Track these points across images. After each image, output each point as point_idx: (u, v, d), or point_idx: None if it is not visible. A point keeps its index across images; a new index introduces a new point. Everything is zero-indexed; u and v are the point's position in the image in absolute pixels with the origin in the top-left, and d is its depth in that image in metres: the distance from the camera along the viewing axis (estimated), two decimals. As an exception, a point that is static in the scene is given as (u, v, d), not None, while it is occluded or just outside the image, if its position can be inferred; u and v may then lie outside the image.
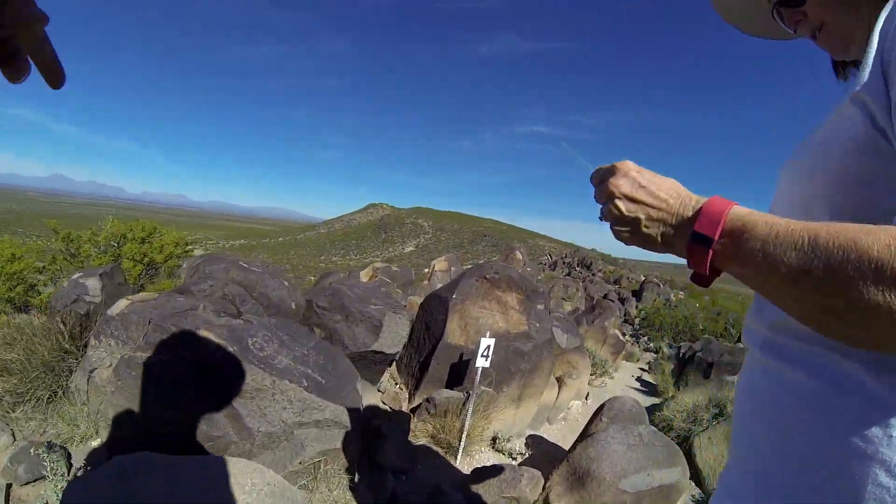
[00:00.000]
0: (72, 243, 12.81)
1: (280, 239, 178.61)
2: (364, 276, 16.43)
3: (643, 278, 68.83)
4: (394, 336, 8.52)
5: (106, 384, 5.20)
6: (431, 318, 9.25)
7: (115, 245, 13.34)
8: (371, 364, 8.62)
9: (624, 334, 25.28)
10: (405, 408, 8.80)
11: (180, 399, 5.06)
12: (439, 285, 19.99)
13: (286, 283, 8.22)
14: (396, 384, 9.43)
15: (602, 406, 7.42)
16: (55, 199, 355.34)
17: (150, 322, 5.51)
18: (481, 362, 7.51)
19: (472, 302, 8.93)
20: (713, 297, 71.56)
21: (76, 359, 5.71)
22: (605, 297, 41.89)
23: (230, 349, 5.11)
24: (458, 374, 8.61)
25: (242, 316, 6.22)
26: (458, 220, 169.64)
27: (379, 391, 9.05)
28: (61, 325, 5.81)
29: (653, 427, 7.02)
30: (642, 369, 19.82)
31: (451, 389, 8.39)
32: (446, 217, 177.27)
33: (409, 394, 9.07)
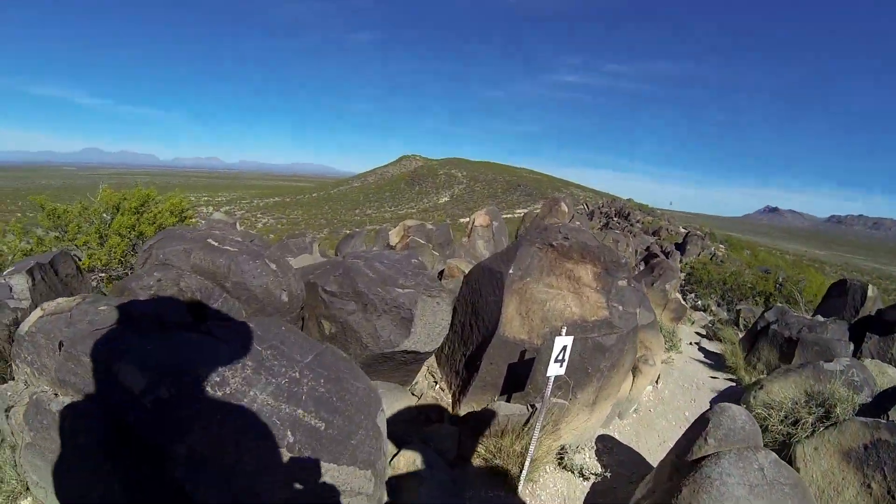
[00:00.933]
0: (59, 220, 10.97)
1: (314, 195, 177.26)
2: (395, 236, 14.39)
3: (683, 230, 66.28)
4: (430, 328, 6.44)
5: (21, 430, 3.78)
6: (480, 298, 7.33)
7: (109, 218, 11.48)
8: (401, 364, 6.55)
9: (684, 296, 23.00)
10: (449, 414, 6.78)
11: (99, 471, 3.37)
12: (480, 243, 17.89)
13: (272, 266, 6.11)
14: (436, 382, 7.39)
15: (705, 420, 5.19)
16: (90, 172, 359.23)
17: (60, 346, 3.77)
18: (555, 369, 5.42)
19: (536, 279, 6.86)
20: (754, 251, 69.00)
21: (-1, 383, 4.05)
22: (647, 249, 39.60)
23: (165, 391, 3.11)
24: (518, 377, 6.51)
25: (205, 323, 4.12)
26: (493, 170, 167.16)
27: (413, 394, 6.97)
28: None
29: (773, 454, 4.74)
30: (699, 334, 17.79)
31: (510, 401, 6.36)
32: (480, 167, 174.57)
33: (454, 397, 7.05)
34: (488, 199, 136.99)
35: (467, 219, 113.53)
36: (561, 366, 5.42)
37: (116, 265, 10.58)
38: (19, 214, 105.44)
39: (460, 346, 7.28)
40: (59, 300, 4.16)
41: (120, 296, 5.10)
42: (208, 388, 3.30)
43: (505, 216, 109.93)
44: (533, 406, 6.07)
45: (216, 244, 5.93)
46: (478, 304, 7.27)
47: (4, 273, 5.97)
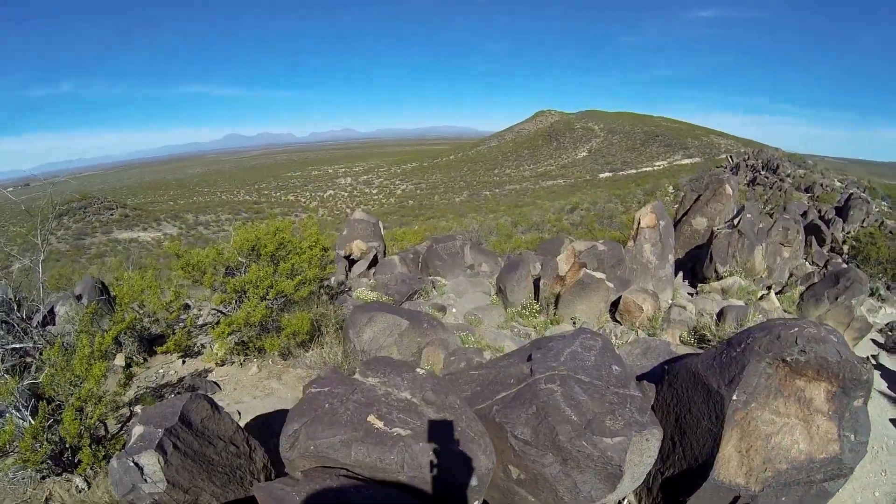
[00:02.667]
0: (194, 270, 10.63)
1: (451, 157, 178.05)
2: (564, 264, 13.79)
3: (838, 183, 60.73)
4: (636, 471, 5.60)
5: None
6: (688, 414, 6.42)
7: (245, 263, 11.29)
8: None
9: (881, 301, 20.64)
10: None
11: None
12: (647, 248, 16.96)
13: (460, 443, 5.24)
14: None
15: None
16: (232, 156, 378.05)
17: None
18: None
19: (761, 404, 5.82)
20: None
21: None
22: (803, 215, 36.63)
23: None
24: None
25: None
26: (629, 121, 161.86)
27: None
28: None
29: None
30: (876, 343, 15.45)
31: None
32: (617, 118, 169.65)
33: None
34: (626, 152, 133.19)
35: (607, 174, 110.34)
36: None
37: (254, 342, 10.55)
38: (171, 203, 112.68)
39: (657, 460, 6.27)
40: None
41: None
42: None
43: (644, 169, 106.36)
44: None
45: (382, 426, 5.20)
46: (683, 420, 6.41)
47: (130, 445, 5.39)
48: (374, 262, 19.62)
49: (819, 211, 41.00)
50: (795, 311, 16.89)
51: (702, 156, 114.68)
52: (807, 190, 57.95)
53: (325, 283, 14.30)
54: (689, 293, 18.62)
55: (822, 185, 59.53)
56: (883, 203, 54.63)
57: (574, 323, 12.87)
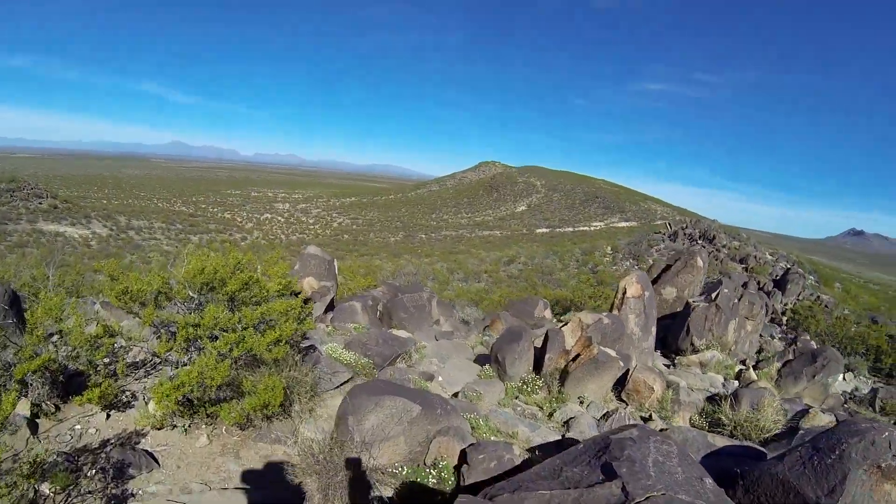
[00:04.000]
0: (131, 300, 8.45)
1: (391, 196, 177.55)
2: (570, 336, 12.70)
3: (769, 257, 62.86)
4: None
5: None
6: None
7: (196, 299, 9.17)
8: None
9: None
10: None
11: None
12: (632, 318, 16.23)
13: None
14: None
15: None
16: (176, 164, 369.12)
17: None
18: None
19: None
20: (846, 286, 65.21)
21: None
22: (744, 285, 37.07)
23: None
24: None
25: None
26: (571, 180, 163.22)
27: None
28: None
29: None
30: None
31: None
32: (559, 176, 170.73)
33: None
34: (565, 210, 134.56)
35: (545, 229, 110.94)
36: None
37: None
38: (105, 201, 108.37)
39: None
40: None
41: None
42: None
43: (581, 228, 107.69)
44: None
45: None
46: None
47: None
48: (330, 306, 18.29)
49: (758, 283, 41.66)
50: (775, 388, 16.73)
51: (638, 220, 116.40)
52: (741, 261, 59.46)
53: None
54: (665, 364, 18.00)
55: (755, 257, 61.41)
56: (811, 277, 56.57)
57: (581, 402, 11.73)
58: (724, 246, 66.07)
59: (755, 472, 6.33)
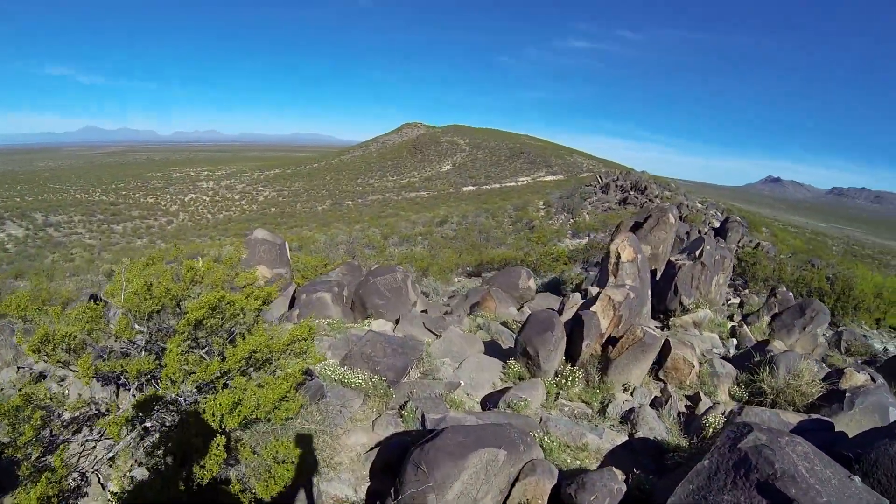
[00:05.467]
0: (56, 350, 6.10)
1: (315, 165, 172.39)
2: (602, 316, 11.14)
3: (699, 205, 63.21)
4: None
5: None
6: None
7: (145, 335, 6.95)
8: None
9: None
10: None
11: None
12: (629, 283, 15.01)
13: None
14: None
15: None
16: (91, 150, 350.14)
17: None
18: None
19: None
20: (773, 230, 66.42)
21: None
22: (687, 234, 36.85)
23: None
24: None
25: None
26: (495, 137, 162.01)
27: None
28: None
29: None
30: None
31: None
32: (483, 134, 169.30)
33: None
34: (491, 167, 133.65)
35: (471, 187, 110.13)
36: None
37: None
38: (18, 199, 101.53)
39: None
40: None
41: None
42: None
43: (508, 184, 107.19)
44: None
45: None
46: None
47: None
48: (292, 299, 16.36)
49: (699, 231, 41.40)
50: (772, 340, 16.30)
51: (565, 174, 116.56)
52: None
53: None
54: (657, 327, 16.93)
55: (687, 205, 61.29)
56: (763, 230, 57.28)
57: (625, 389, 10.36)
58: (656, 196, 65.91)
59: (871, 454, 5.60)
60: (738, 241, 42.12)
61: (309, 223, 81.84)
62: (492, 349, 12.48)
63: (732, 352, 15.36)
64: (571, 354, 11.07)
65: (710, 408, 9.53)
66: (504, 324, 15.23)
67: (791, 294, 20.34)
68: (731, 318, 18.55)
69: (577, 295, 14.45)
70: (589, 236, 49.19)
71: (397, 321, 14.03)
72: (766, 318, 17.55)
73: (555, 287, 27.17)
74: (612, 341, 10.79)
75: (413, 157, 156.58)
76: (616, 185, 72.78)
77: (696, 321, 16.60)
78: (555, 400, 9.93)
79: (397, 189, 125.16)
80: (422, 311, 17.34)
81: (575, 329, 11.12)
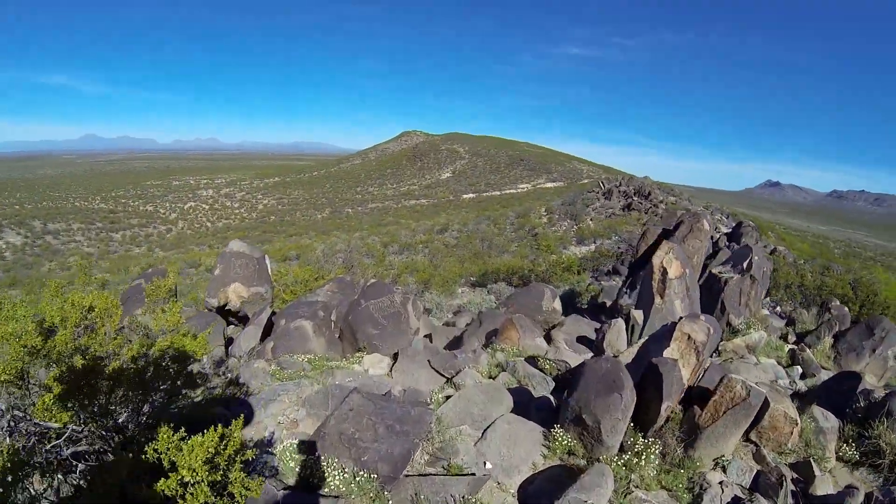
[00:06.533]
0: None
1: (314, 173, 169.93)
2: (683, 365, 8.09)
3: (703, 209, 60.64)
4: None
5: None
6: None
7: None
8: None
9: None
10: None
11: None
12: (678, 304, 12.27)
13: None
14: None
15: None
16: (91, 158, 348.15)
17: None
18: None
19: None
20: (780, 235, 63.80)
21: None
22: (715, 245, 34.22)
23: None
24: None
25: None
26: (494, 145, 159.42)
27: None
28: None
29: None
30: None
31: None
32: (482, 141, 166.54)
33: None
34: (490, 174, 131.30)
35: (471, 195, 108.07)
36: None
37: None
38: (17, 207, 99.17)
39: None
40: None
41: None
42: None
43: (508, 191, 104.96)
44: None
45: None
46: None
47: None
48: (268, 326, 13.48)
49: (711, 237, 38.68)
50: (834, 366, 13.82)
51: (565, 180, 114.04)
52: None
53: (194, 374, 7.20)
54: (705, 355, 14.14)
55: (689, 210, 58.88)
56: (771, 235, 54.87)
57: (716, 464, 7.42)
58: (661, 202, 63.35)
59: None
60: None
61: (308, 231, 79.69)
62: (523, 404, 9.18)
63: (798, 383, 12.58)
64: (641, 419, 7.88)
65: (833, 495, 6.71)
66: (533, 361, 11.62)
67: (846, 308, 17.56)
68: (784, 338, 15.68)
69: (620, 322, 11.46)
70: (595, 243, 46.53)
71: (395, 357, 11.00)
72: (828, 339, 14.78)
73: (569, 301, 24.38)
74: (698, 396, 7.91)
75: (412, 164, 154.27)
76: (619, 191, 70.24)
77: (749, 345, 13.78)
78: (626, 492, 6.86)
79: (397, 197, 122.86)
80: (425, 336, 14.47)
81: (647, 384, 7.90)
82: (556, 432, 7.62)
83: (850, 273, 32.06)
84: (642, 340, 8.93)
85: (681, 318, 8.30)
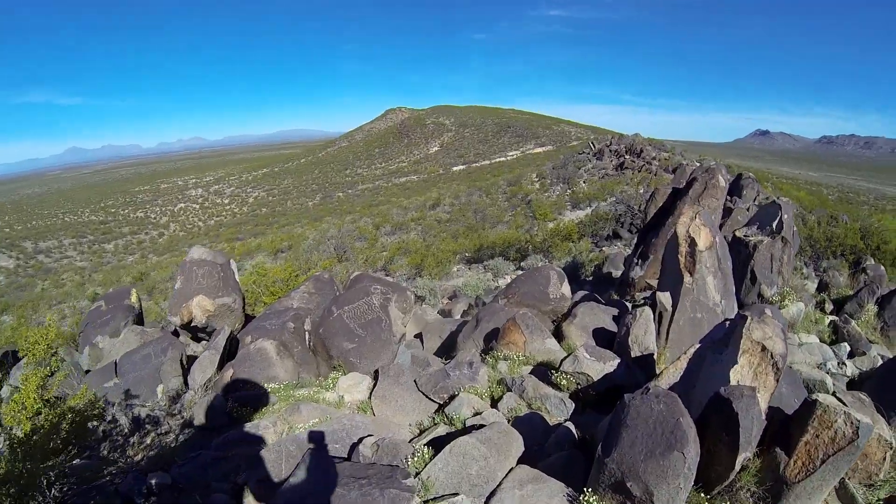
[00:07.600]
0: None
1: (302, 160, 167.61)
2: (760, 388, 5.94)
3: (698, 164, 58.43)
4: None
5: None
6: None
7: None
8: None
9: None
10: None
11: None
12: (710, 281, 10.17)
13: None
14: None
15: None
16: (75, 173, 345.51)
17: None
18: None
19: None
20: (776, 184, 61.90)
21: None
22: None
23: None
24: None
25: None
26: (481, 114, 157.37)
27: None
28: None
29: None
30: None
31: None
32: (468, 112, 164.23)
33: None
34: (478, 144, 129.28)
35: (461, 166, 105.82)
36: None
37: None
38: (7, 229, 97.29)
39: None
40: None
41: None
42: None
43: (498, 159, 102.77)
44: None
45: None
46: None
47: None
48: (232, 349, 11.47)
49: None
50: (882, 339, 11.91)
51: (554, 144, 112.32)
52: (673, 171, 54.90)
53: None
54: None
55: (686, 165, 56.91)
56: (768, 185, 53.23)
57: None
58: (653, 158, 61.30)
59: None
60: (754, 200, 37.44)
61: (300, 220, 78.08)
62: (536, 443, 6.69)
63: (847, 364, 10.47)
64: (703, 473, 5.11)
65: None
66: (545, 373, 8.79)
67: (882, 268, 15.48)
68: (821, 307, 13.57)
69: (648, 312, 9.22)
70: (591, 206, 44.51)
71: (376, 377, 8.83)
72: (872, 307, 12.67)
73: (573, 275, 22.24)
74: (777, 427, 5.44)
75: (399, 141, 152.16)
76: (610, 151, 68.15)
77: (787, 321, 11.70)
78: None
79: (387, 175, 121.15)
80: (415, 337, 12.36)
81: (711, 422, 5.27)
82: (589, 499, 5.02)
83: (858, 222, 30.16)
84: (694, 348, 6.64)
85: (744, 315, 5.94)
